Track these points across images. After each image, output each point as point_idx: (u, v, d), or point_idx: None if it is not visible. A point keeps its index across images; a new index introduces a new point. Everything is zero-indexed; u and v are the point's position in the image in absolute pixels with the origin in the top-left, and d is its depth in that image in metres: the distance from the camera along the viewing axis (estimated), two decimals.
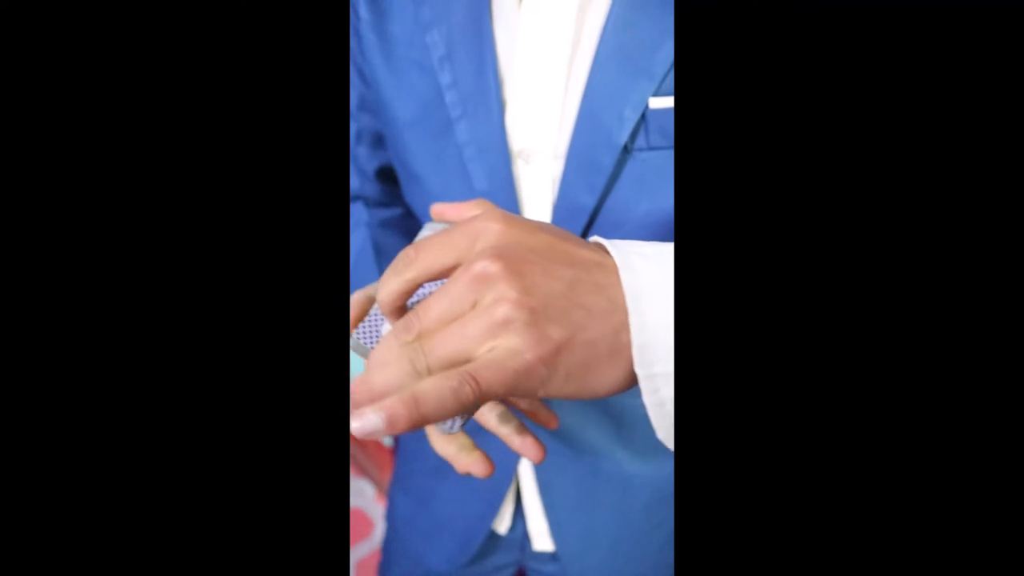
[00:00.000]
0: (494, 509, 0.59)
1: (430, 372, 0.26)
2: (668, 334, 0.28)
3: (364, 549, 1.47)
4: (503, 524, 0.61)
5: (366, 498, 1.58)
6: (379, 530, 1.51)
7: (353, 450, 1.63)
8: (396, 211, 0.58)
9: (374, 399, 0.26)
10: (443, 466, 0.60)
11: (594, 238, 0.31)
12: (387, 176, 0.57)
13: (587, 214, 0.43)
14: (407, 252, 0.29)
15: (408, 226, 0.57)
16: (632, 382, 0.29)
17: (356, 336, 0.33)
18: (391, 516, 0.68)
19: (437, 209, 0.35)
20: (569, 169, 0.43)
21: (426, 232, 0.37)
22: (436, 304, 0.28)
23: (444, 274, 0.29)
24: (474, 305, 0.27)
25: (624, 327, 0.28)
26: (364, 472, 1.63)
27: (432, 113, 0.46)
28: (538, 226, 0.30)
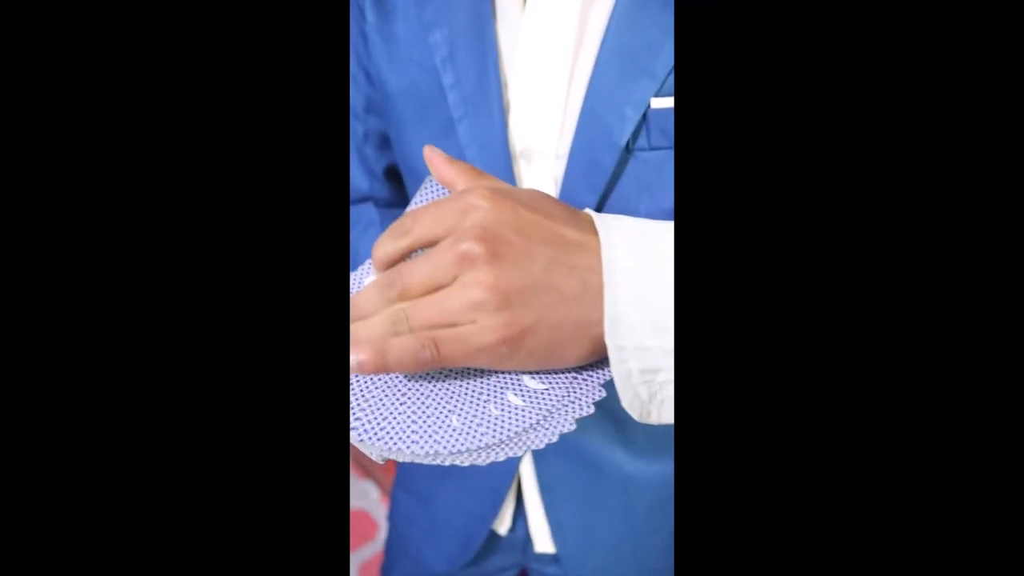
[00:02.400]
0: (494, 510, 0.58)
1: (410, 332, 0.30)
2: (636, 309, 0.30)
3: (368, 551, 1.47)
4: (504, 525, 0.61)
5: (370, 500, 1.58)
6: (383, 532, 1.51)
7: (358, 452, 1.63)
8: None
9: (353, 344, 0.30)
10: (446, 466, 0.60)
11: (586, 210, 0.34)
12: (396, 175, 0.57)
13: None
14: (403, 221, 0.32)
15: None
16: (596, 354, 0.32)
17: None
18: (393, 516, 0.69)
19: (430, 153, 0.36)
20: (571, 169, 0.43)
21: (425, 189, 0.40)
22: (419, 269, 0.31)
23: (433, 243, 0.32)
24: (454, 279, 0.30)
25: (595, 307, 0.31)
26: (368, 474, 1.63)
27: (434, 114, 0.46)
28: (525, 202, 0.32)
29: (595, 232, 0.32)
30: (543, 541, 0.61)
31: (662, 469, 0.55)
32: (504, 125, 0.44)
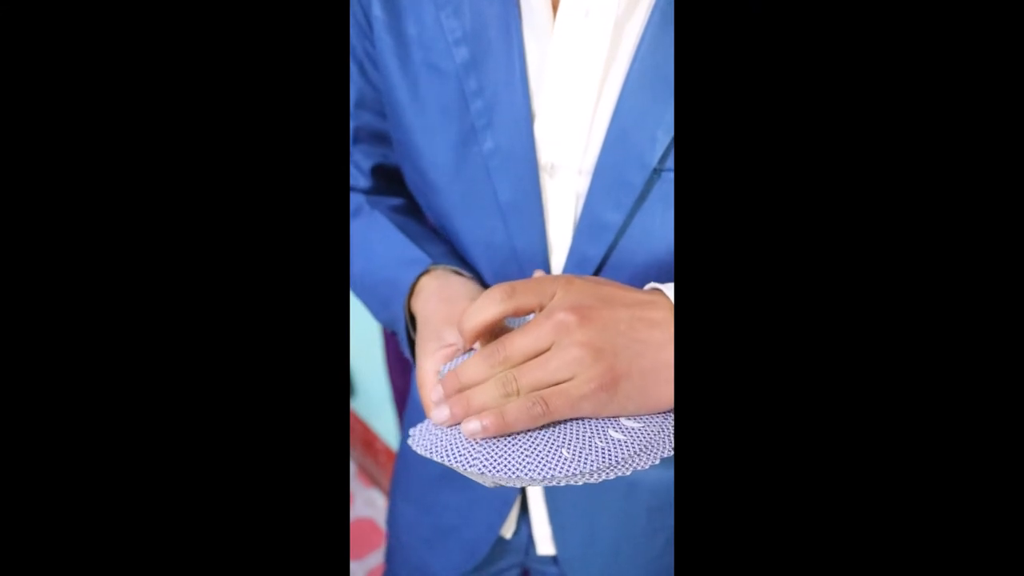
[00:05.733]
0: (502, 516, 0.58)
1: (518, 394, 0.35)
2: None
3: (375, 559, 1.46)
4: (509, 529, 0.61)
5: (377, 508, 1.58)
6: None
7: (364, 460, 1.62)
8: (399, 200, 0.56)
9: (470, 411, 0.35)
10: (447, 474, 0.59)
11: (650, 285, 0.39)
12: (382, 173, 0.56)
13: (613, 232, 0.43)
14: (503, 289, 0.37)
15: (416, 212, 0.56)
16: None
17: (446, 370, 0.42)
18: (392, 523, 0.68)
19: None
20: (596, 186, 0.43)
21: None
22: (520, 339, 0.35)
23: (526, 312, 0.37)
24: (551, 344, 0.35)
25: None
26: (374, 482, 1.62)
27: (454, 120, 0.45)
28: (598, 280, 0.38)
29: (659, 292, 0.37)
30: (545, 543, 0.61)
31: (662, 473, 0.55)
32: (531, 136, 0.43)
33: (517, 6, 0.42)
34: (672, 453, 0.34)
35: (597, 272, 0.45)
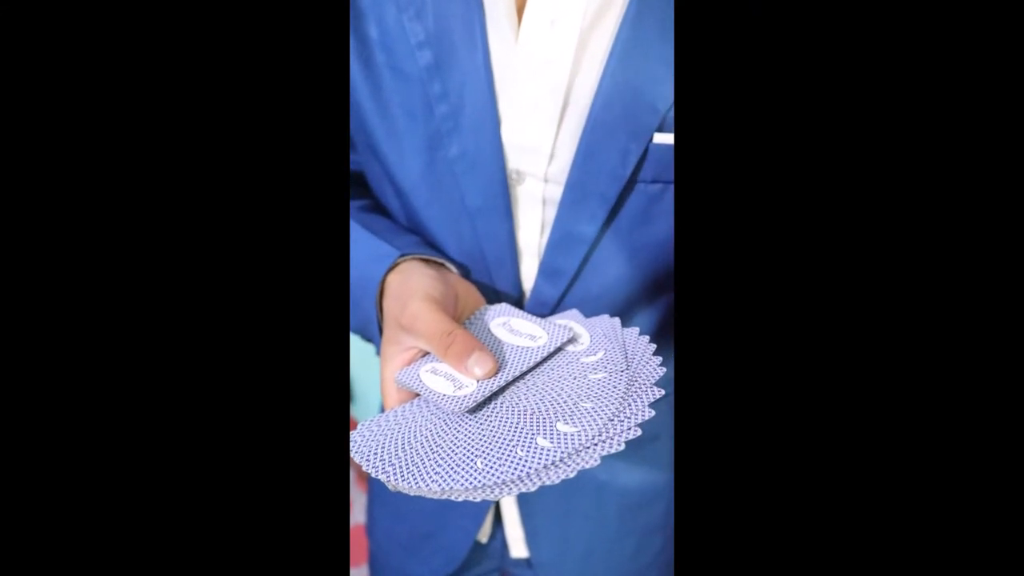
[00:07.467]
0: (478, 522, 0.59)
1: None
2: None
3: None
4: (485, 534, 0.61)
5: None
6: None
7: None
8: (363, 201, 0.54)
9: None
10: None
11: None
12: (351, 180, 0.55)
13: (587, 244, 0.43)
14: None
15: (382, 211, 0.54)
16: None
17: (399, 376, 0.39)
18: (371, 529, 0.68)
19: None
20: (568, 198, 0.43)
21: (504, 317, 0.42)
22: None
23: None
24: None
25: None
26: None
27: (419, 124, 0.44)
28: None
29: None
30: (518, 547, 0.61)
31: (632, 477, 0.57)
32: (498, 141, 0.43)
33: (481, 10, 0.41)
34: (598, 462, 0.32)
35: (571, 284, 0.45)
